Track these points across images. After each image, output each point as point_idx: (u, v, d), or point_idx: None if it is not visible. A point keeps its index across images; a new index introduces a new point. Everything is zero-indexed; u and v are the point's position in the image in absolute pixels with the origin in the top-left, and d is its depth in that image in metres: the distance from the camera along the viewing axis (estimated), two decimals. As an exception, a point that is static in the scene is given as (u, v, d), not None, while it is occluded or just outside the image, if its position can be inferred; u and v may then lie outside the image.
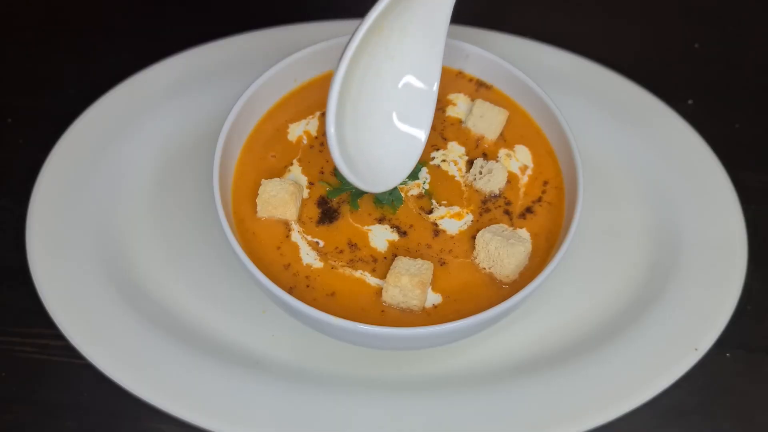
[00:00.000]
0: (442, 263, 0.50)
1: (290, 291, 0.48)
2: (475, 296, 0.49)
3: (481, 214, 0.52)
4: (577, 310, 0.55)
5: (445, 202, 0.52)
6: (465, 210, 0.52)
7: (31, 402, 0.52)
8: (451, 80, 0.58)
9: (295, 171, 0.53)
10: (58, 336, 0.52)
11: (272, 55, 0.57)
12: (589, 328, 0.54)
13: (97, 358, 0.51)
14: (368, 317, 0.48)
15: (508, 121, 0.55)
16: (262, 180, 0.50)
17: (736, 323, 0.54)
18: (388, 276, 0.47)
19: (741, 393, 0.53)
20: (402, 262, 0.48)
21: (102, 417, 0.51)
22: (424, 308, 0.48)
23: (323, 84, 0.57)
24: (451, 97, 0.57)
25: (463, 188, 0.53)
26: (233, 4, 0.73)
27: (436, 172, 0.54)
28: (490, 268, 0.49)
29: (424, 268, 0.47)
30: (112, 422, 0.51)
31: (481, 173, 0.53)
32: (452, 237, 0.51)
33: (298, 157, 0.54)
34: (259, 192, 0.50)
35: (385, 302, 0.48)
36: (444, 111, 0.57)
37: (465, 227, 0.51)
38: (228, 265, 0.55)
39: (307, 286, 0.49)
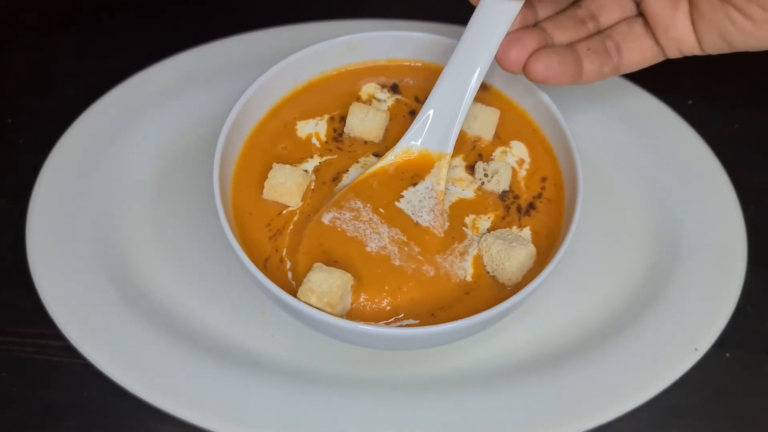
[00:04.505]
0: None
1: (266, 261, 0.49)
2: (475, 297, 0.49)
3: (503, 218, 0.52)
4: (577, 310, 0.55)
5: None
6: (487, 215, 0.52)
7: (31, 402, 0.52)
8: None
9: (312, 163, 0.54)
10: (58, 336, 0.52)
11: (272, 55, 0.57)
12: (588, 328, 0.54)
13: (97, 358, 0.51)
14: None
15: (501, 118, 0.55)
16: (274, 164, 0.51)
17: (735, 323, 0.54)
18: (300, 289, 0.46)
19: (741, 393, 0.53)
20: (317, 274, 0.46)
21: (102, 417, 0.51)
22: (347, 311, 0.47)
23: (324, 85, 0.57)
24: None
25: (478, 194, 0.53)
26: (233, 4, 0.73)
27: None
28: (493, 272, 0.49)
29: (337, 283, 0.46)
30: (112, 422, 0.51)
31: (486, 175, 0.53)
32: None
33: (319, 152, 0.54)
34: (269, 175, 0.51)
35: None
36: None
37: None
38: (228, 266, 0.55)
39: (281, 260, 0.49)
